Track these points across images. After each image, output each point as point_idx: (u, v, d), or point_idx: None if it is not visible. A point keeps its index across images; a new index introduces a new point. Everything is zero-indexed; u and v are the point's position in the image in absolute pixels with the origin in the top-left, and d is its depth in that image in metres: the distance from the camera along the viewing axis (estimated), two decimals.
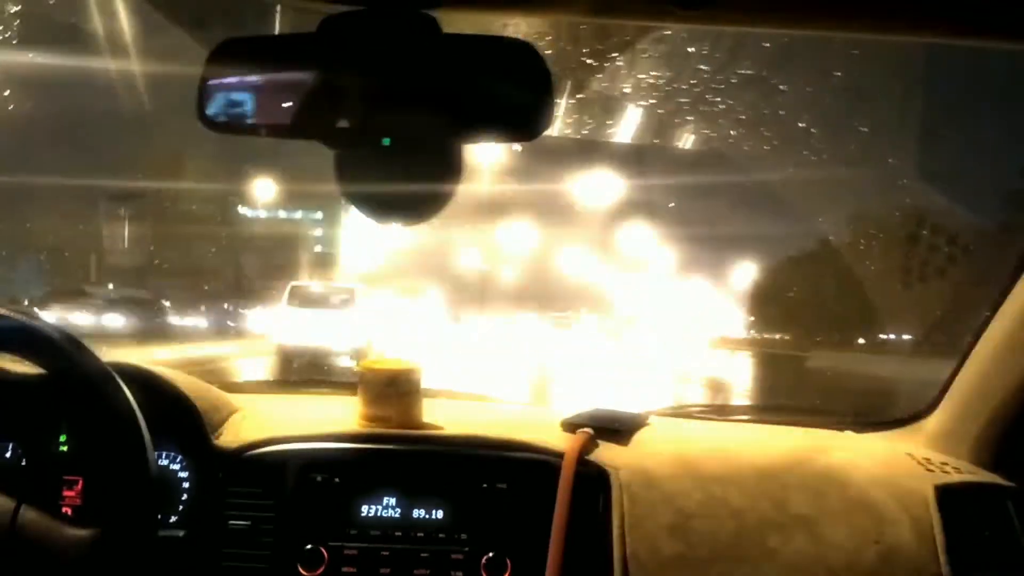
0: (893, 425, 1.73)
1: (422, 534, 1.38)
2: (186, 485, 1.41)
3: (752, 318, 27.99)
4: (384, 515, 1.39)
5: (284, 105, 0.89)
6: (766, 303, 25.41)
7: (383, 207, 0.95)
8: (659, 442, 1.56)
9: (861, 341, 19.60)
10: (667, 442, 1.56)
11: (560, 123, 2.36)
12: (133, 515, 1.14)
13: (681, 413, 1.87)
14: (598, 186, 18.89)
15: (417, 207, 0.93)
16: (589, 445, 1.47)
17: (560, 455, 1.43)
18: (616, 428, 1.53)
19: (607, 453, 1.47)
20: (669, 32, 1.86)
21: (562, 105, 2.23)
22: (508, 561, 1.36)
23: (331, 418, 1.54)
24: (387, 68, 0.85)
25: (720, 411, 1.88)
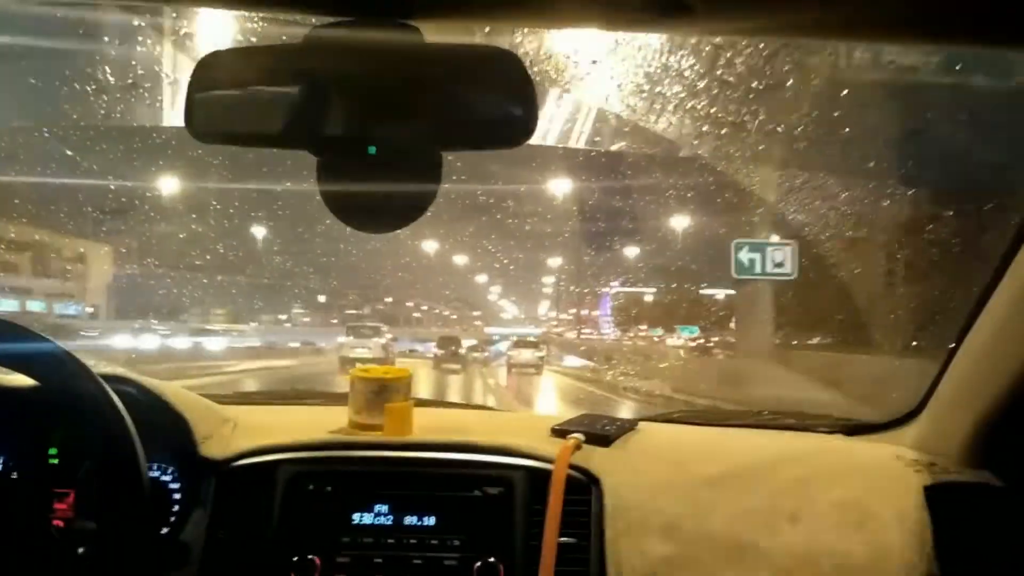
0: (881, 427, 1.73)
1: (414, 541, 1.38)
2: (177, 496, 1.41)
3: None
4: (376, 522, 1.39)
5: (270, 115, 0.89)
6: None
7: (366, 214, 0.95)
8: (649, 447, 1.56)
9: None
10: (656, 447, 1.57)
11: (541, 130, 2.36)
12: (126, 527, 1.14)
13: (670, 418, 1.88)
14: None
15: (398, 214, 0.94)
16: (579, 451, 1.47)
17: (550, 461, 1.44)
18: (606, 434, 1.54)
19: (597, 459, 1.48)
20: (652, 39, 1.88)
21: (544, 113, 2.24)
22: (500, 567, 1.36)
23: (322, 427, 1.54)
24: (372, 78, 0.86)
25: (709, 416, 1.88)
